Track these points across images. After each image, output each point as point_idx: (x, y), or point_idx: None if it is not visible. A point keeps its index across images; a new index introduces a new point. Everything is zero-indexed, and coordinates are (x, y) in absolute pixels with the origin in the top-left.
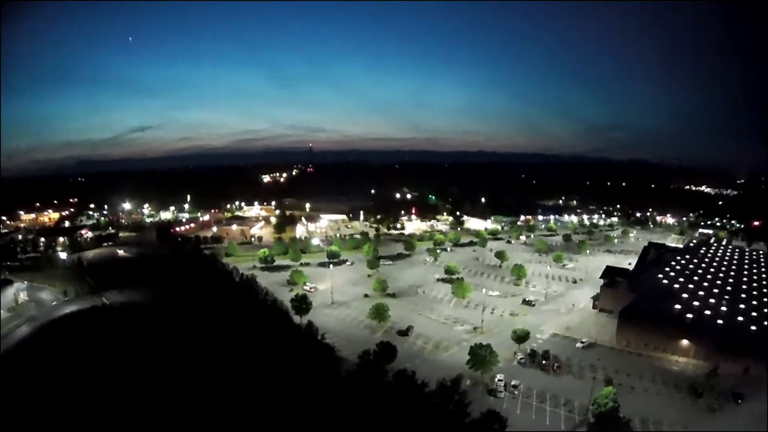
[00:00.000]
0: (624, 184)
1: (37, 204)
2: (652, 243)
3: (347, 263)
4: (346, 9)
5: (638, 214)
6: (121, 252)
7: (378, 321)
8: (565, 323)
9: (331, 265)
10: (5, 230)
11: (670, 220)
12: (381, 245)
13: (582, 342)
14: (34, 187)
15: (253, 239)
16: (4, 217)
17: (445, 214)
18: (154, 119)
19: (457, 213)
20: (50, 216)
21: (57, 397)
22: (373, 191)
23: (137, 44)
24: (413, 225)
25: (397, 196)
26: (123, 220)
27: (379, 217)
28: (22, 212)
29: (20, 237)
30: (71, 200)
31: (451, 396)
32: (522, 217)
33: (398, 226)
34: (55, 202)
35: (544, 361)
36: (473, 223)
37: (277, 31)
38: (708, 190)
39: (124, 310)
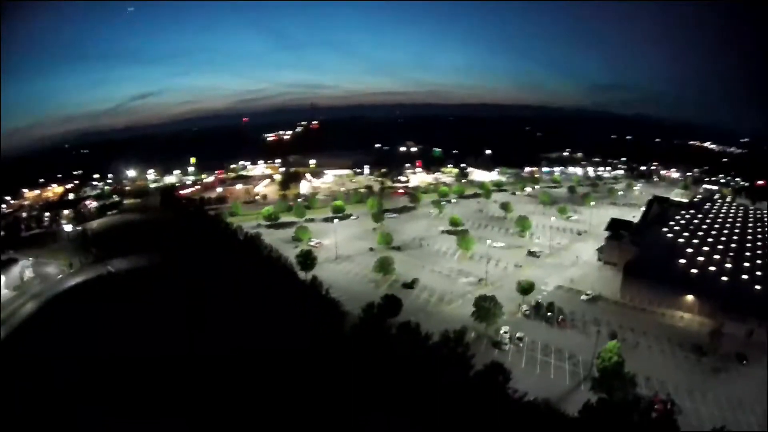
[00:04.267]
0: (628, 137)
1: (41, 180)
2: (656, 197)
3: (352, 218)
4: None
5: (642, 168)
6: (125, 219)
7: (383, 275)
8: (569, 276)
9: (335, 221)
10: (9, 209)
11: (674, 174)
12: (386, 199)
13: (586, 295)
14: (37, 163)
15: (257, 198)
16: (7, 197)
17: (449, 166)
18: (155, 86)
19: (462, 165)
20: (54, 190)
21: (62, 372)
22: (377, 145)
23: (135, 14)
24: (418, 178)
25: (402, 149)
26: (127, 188)
27: (383, 171)
28: (25, 190)
29: (24, 214)
30: (75, 173)
31: (455, 348)
32: (526, 169)
33: (402, 179)
34: (59, 176)
35: (548, 314)
36: (477, 175)
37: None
38: (712, 146)
39: (129, 276)
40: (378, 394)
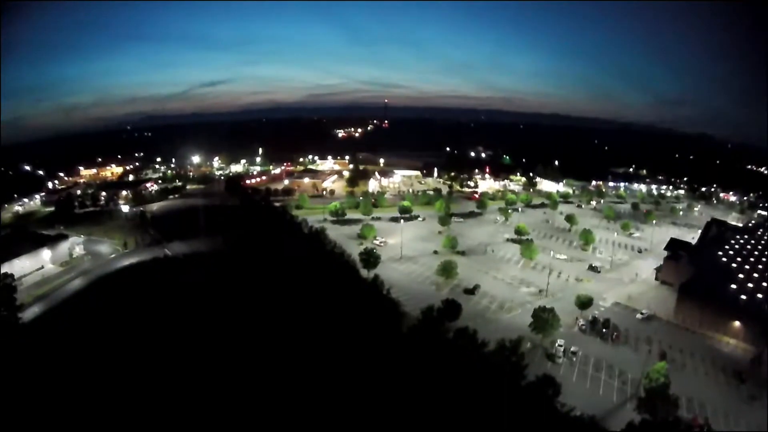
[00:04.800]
0: (691, 157)
1: (99, 159)
2: (714, 219)
3: (418, 219)
4: None
5: (703, 189)
6: (186, 204)
7: (445, 278)
8: (627, 293)
9: (402, 221)
10: (63, 186)
11: (732, 197)
12: (453, 203)
13: (642, 313)
14: (96, 142)
15: (324, 192)
16: (62, 174)
17: (518, 174)
18: (225, 74)
19: (530, 174)
20: (113, 170)
21: (106, 347)
22: (447, 148)
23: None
24: (486, 184)
25: (472, 154)
26: (191, 173)
27: (452, 174)
28: (81, 167)
29: (79, 192)
30: (136, 154)
31: (509, 357)
32: (593, 183)
33: (471, 184)
34: (119, 156)
35: (603, 330)
36: (545, 185)
37: None
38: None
39: (187, 260)
40: (429, 397)
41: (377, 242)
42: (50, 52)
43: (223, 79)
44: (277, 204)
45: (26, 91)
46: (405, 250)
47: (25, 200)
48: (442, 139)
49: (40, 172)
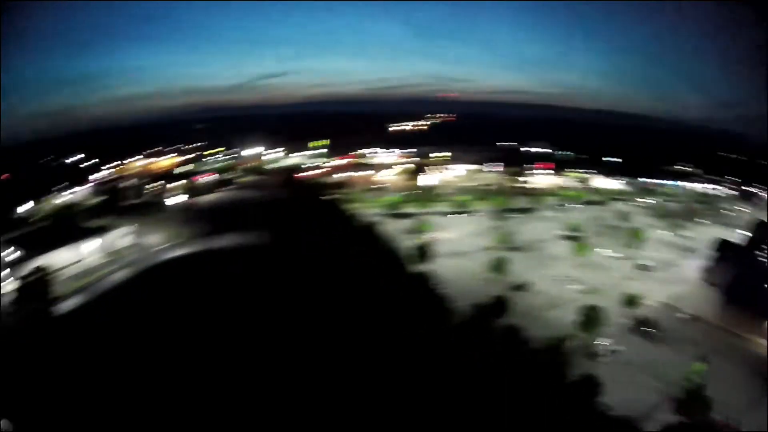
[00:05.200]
0: (743, 158)
1: (155, 149)
2: (762, 221)
3: (475, 214)
4: None
5: (752, 191)
6: (242, 196)
7: (495, 274)
8: (673, 292)
9: (458, 215)
10: (116, 176)
11: None
12: (510, 198)
13: (685, 314)
14: (153, 132)
15: (382, 186)
16: (115, 163)
17: (574, 170)
18: (285, 66)
19: (586, 171)
20: (170, 161)
21: (145, 342)
22: (506, 143)
23: None
24: (544, 179)
25: (530, 149)
26: (249, 164)
27: (510, 169)
28: (136, 157)
29: (131, 182)
30: (193, 145)
31: (553, 355)
32: (647, 180)
33: (528, 179)
34: (176, 147)
35: (647, 329)
36: (600, 182)
37: None
38: None
39: (237, 252)
40: (473, 393)
41: (432, 237)
42: (107, 41)
43: (283, 72)
44: (335, 196)
45: (81, 79)
46: (459, 246)
47: (75, 189)
48: (502, 133)
49: (93, 162)
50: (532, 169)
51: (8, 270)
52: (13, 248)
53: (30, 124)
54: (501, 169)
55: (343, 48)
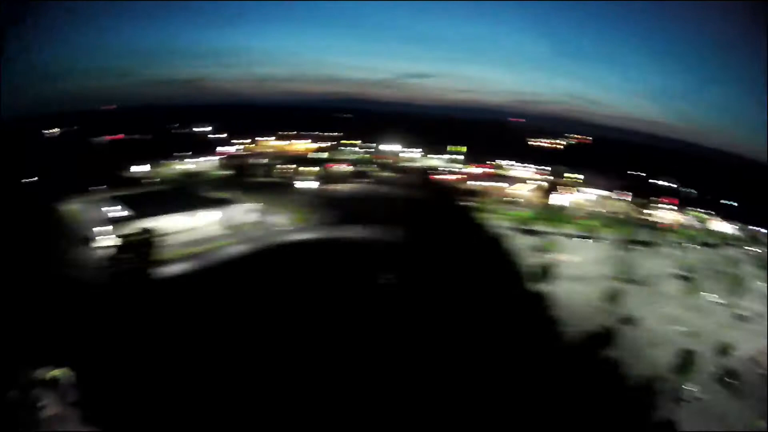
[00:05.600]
0: None
1: (292, 132)
2: None
3: (599, 240)
4: None
5: None
6: (376, 190)
7: (609, 304)
8: (762, 346)
9: (584, 239)
10: (247, 152)
11: None
12: (633, 229)
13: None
14: (289, 115)
15: (515, 199)
16: (246, 140)
17: (697, 209)
18: (432, 68)
19: (704, 211)
20: (305, 146)
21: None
22: (636, 172)
23: None
24: (666, 214)
25: (658, 181)
26: (387, 160)
27: (637, 200)
28: (270, 137)
29: (259, 161)
30: (332, 133)
31: (643, 395)
32: (758, 229)
33: (652, 212)
34: (313, 133)
35: (732, 381)
36: (717, 225)
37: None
38: None
39: (361, 244)
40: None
41: (557, 258)
42: (244, 19)
43: (429, 73)
44: (468, 204)
45: (213, 54)
46: (579, 270)
47: (200, 159)
48: (633, 161)
49: (221, 136)
50: (658, 202)
51: (113, 226)
52: (120, 206)
53: (157, 89)
54: (629, 198)
55: (490, 57)
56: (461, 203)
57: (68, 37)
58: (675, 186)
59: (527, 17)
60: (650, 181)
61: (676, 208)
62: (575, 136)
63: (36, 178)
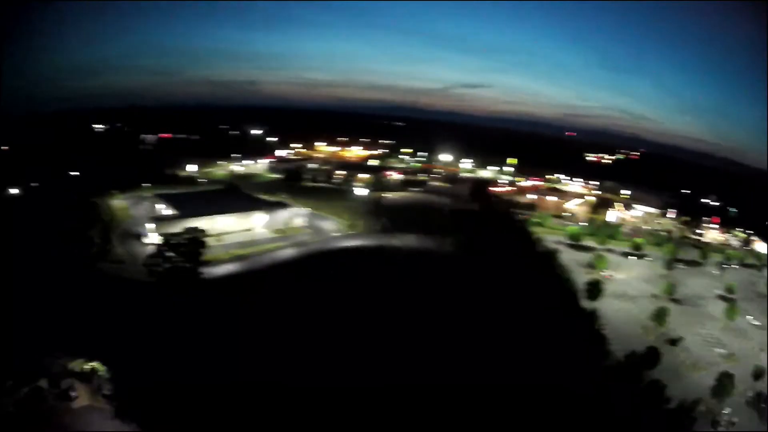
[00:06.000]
0: None
1: (342, 138)
2: None
3: (646, 258)
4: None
5: None
6: (428, 199)
7: (655, 324)
8: None
9: (631, 257)
10: (297, 156)
11: None
12: (678, 247)
13: None
14: (338, 121)
15: (568, 214)
16: (296, 144)
17: (738, 229)
18: (483, 78)
19: (748, 232)
20: (355, 152)
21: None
22: (684, 190)
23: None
24: (711, 234)
25: (705, 200)
26: (438, 170)
27: (684, 219)
28: (322, 144)
29: (313, 166)
30: (384, 141)
31: (683, 418)
32: None
33: (697, 231)
34: (364, 140)
35: (763, 406)
36: (759, 245)
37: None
38: None
39: (413, 254)
40: None
41: (605, 275)
42: (295, 23)
43: (482, 83)
44: (519, 217)
45: (264, 57)
46: (627, 288)
47: (249, 162)
48: (680, 178)
49: (272, 139)
50: (703, 221)
51: (160, 224)
52: (168, 204)
53: (207, 89)
54: (676, 216)
55: (536, 67)
56: (513, 216)
57: (119, 34)
58: (717, 204)
59: (575, 31)
60: (696, 198)
61: (718, 227)
62: (624, 151)
63: (84, 171)
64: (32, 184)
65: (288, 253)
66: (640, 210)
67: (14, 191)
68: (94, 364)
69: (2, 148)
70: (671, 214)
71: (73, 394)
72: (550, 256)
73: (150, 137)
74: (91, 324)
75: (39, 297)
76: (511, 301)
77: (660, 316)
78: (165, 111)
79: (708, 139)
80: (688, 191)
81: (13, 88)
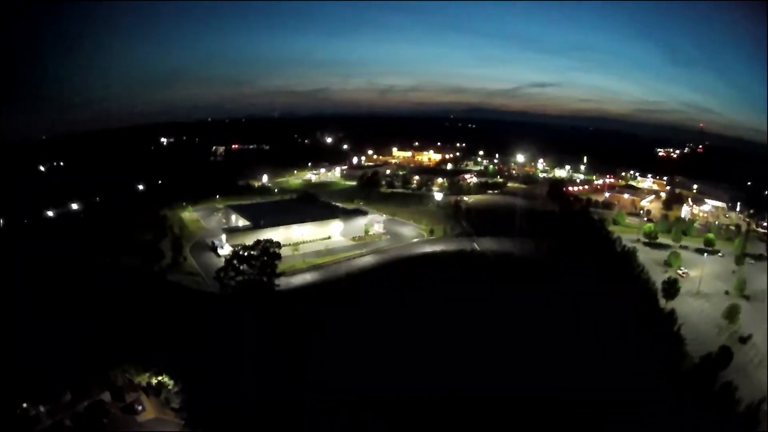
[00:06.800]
0: None
1: (415, 143)
2: None
3: (719, 254)
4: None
5: None
6: (506, 201)
7: (728, 322)
8: None
9: (705, 254)
10: (371, 163)
11: None
12: (748, 242)
13: None
14: (413, 126)
15: (642, 212)
16: (370, 151)
17: None
18: (555, 77)
19: None
20: (430, 156)
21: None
22: (751, 183)
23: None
24: None
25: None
26: (514, 171)
27: (751, 212)
28: (395, 148)
29: (388, 171)
30: (458, 144)
31: (751, 419)
32: None
33: (765, 224)
34: (438, 143)
35: None
36: None
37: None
38: None
39: (493, 258)
40: None
41: (680, 273)
42: (363, 30)
43: (553, 82)
44: (595, 216)
45: (334, 64)
46: (701, 285)
47: (322, 170)
48: (746, 171)
49: (345, 146)
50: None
51: (233, 236)
52: (240, 215)
53: (278, 99)
54: (744, 210)
55: (610, 66)
56: (590, 216)
57: (189, 46)
58: None
59: (643, 25)
60: (761, 191)
61: None
62: (689, 145)
63: (155, 185)
64: (102, 198)
65: (367, 260)
66: (709, 204)
67: (81, 205)
68: (163, 377)
69: (63, 163)
70: (742, 207)
71: (139, 407)
72: (629, 255)
73: (221, 149)
74: (161, 337)
75: (108, 309)
76: (593, 304)
77: (732, 313)
78: (235, 123)
79: None
80: (753, 184)
81: (84, 104)
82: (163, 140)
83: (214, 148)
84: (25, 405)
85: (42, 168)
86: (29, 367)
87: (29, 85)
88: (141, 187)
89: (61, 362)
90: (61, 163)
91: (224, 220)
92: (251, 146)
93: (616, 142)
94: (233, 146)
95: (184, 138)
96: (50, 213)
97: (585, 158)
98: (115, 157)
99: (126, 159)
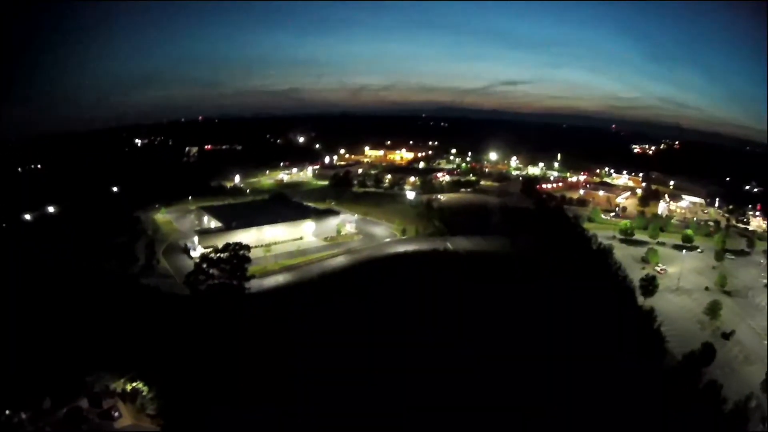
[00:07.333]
0: None
1: (388, 142)
2: None
3: (697, 250)
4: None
5: None
6: (479, 199)
7: (709, 318)
8: None
9: (683, 250)
10: (343, 162)
11: None
12: (726, 237)
13: None
14: (386, 125)
15: (617, 208)
16: (342, 150)
17: None
18: (527, 74)
19: None
20: (402, 155)
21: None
22: (729, 178)
23: None
24: (755, 222)
25: (751, 188)
26: (487, 169)
27: (729, 207)
28: (367, 148)
29: (360, 171)
30: (430, 143)
31: (737, 416)
32: None
33: (747, 220)
34: (410, 142)
35: None
36: None
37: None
38: None
39: (467, 257)
40: None
41: (658, 269)
42: (334, 27)
43: (525, 80)
44: (569, 213)
45: (305, 63)
46: (680, 282)
47: (294, 170)
48: (724, 166)
49: (316, 146)
50: (752, 210)
51: (205, 237)
52: (212, 217)
53: (248, 99)
54: (723, 205)
55: (584, 61)
56: (565, 213)
57: (158, 47)
58: (760, 191)
59: (617, 20)
60: (739, 186)
61: (761, 214)
62: (666, 141)
63: (128, 186)
64: (75, 201)
65: (340, 260)
66: (687, 200)
67: (56, 208)
68: (138, 383)
69: (39, 165)
70: (717, 202)
71: (115, 413)
72: (605, 252)
73: (194, 149)
74: (135, 342)
75: (80, 314)
76: (568, 302)
77: (713, 309)
78: (208, 123)
79: (749, 124)
80: (731, 179)
81: (54, 106)
82: (137, 141)
83: (187, 149)
84: (8, 412)
85: (19, 170)
86: (9, 373)
87: None
88: (115, 189)
89: (38, 368)
90: (38, 166)
91: (197, 222)
92: (224, 146)
93: (589, 139)
94: (206, 147)
95: (158, 139)
96: (27, 216)
97: (559, 155)
98: (89, 159)
99: (100, 161)
